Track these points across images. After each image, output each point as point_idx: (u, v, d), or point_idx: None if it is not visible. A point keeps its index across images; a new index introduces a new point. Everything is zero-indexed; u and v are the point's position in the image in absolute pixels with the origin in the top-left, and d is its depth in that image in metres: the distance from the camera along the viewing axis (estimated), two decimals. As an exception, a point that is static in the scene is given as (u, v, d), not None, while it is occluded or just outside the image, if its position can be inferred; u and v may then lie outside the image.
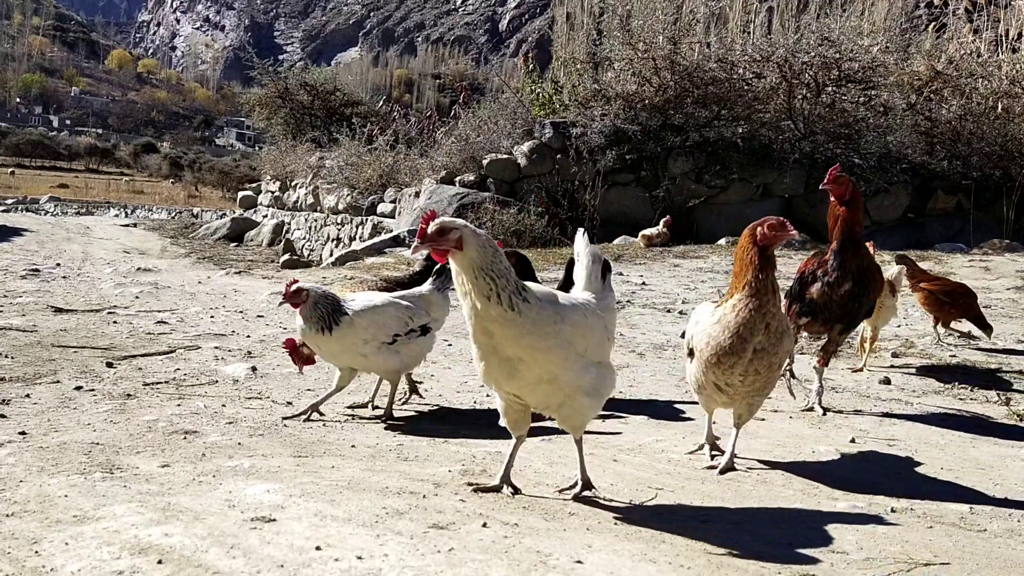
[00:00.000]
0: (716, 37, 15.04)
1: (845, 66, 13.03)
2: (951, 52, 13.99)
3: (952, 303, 6.16)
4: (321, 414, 4.20)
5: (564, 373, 2.81)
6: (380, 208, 14.89)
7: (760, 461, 3.58)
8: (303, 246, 16.90)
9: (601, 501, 2.96)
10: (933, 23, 16.25)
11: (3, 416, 3.89)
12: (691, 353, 3.41)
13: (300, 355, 4.38)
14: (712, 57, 13.73)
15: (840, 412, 4.53)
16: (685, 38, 14.04)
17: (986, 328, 6.15)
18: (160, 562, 2.25)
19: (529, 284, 2.87)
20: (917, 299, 6.36)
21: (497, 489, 2.98)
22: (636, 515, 2.85)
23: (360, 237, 14.79)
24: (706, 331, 3.27)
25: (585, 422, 3.01)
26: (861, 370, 5.53)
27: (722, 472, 3.37)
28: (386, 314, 4.18)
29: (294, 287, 4.14)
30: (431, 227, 2.72)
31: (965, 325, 6.38)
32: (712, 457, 3.56)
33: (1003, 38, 14.30)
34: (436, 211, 12.16)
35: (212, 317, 7.20)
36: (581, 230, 3.36)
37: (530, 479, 3.19)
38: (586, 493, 2.99)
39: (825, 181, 4.47)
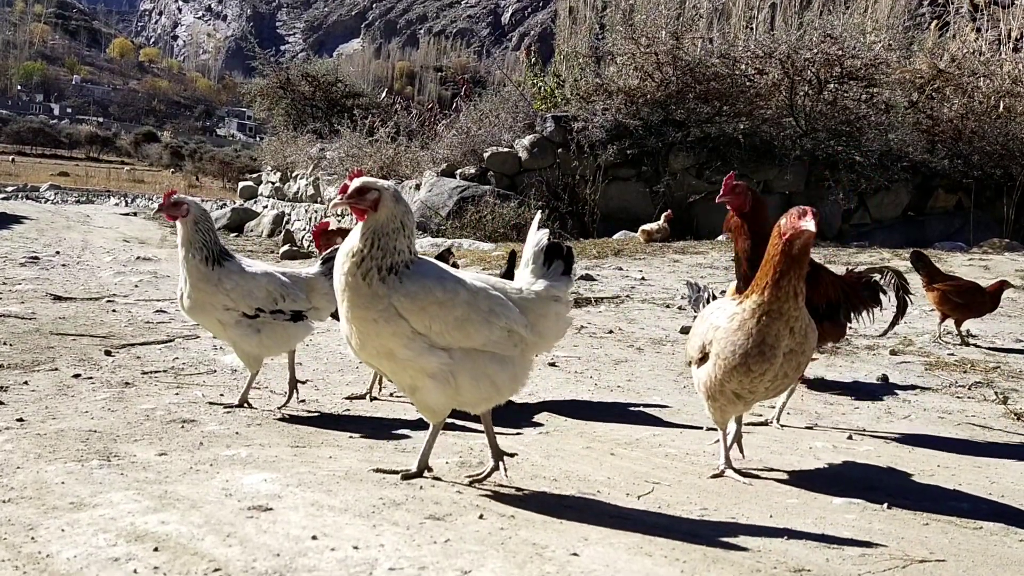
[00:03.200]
0: (719, 33, 15.03)
1: (847, 63, 13.01)
2: (953, 50, 13.97)
3: (966, 304, 6.15)
4: (251, 406, 4.06)
5: (399, 350, 2.70)
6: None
7: (757, 457, 3.58)
8: (303, 237, 16.86)
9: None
10: (936, 21, 16.21)
11: (1, 403, 3.89)
12: (703, 358, 3.17)
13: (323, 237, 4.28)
14: (714, 53, 13.73)
15: (838, 409, 4.53)
16: (688, 33, 14.01)
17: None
18: (156, 549, 2.25)
19: (429, 259, 2.86)
20: (930, 299, 6.35)
21: (495, 469, 2.98)
22: (632, 508, 2.85)
23: (360, 229, 14.76)
24: (727, 338, 3.03)
25: (434, 407, 2.85)
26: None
27: (714, 476, 3.24)
28: (255, 282, 3.90)
29: (173, 197, 3.85)
30: (353, 185, 2.73)
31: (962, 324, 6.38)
32: (742, 475, 3.24)
33: (1005, 38, 14.27)
34: (436, 203, 12.03)
35: (211, 307, 7.18)
36: (539, 214, 3.16)
37: (527, 472, 3.19)
38: (414, 480, 2.93)
39: (722, 193, 4.11)
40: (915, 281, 7.17)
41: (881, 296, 4.76)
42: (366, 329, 2.72)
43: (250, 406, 4.05)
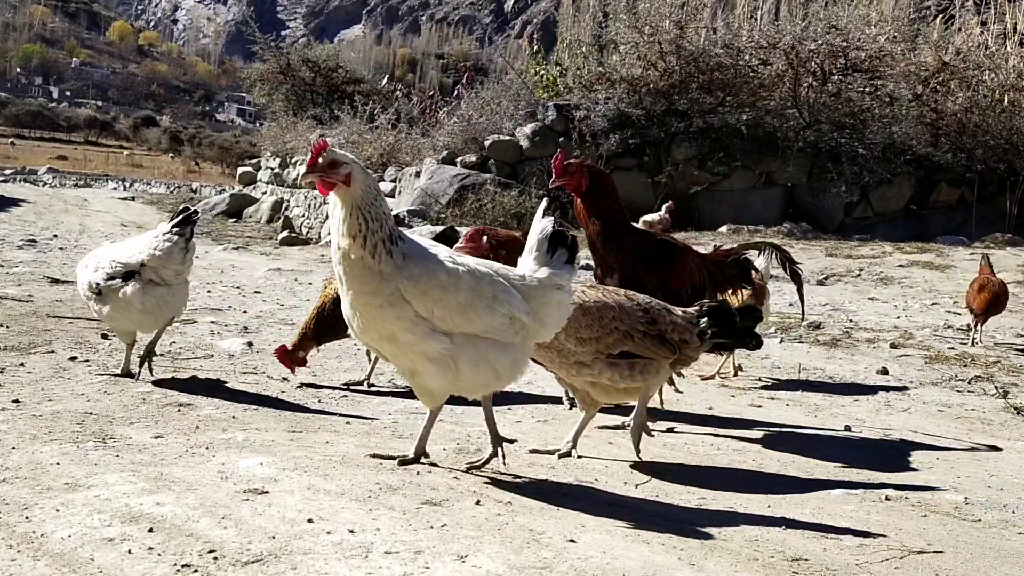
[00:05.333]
0: (723, 22, 14.93)
1: (852, 55, 12.94)
2: (959, 44, 13.89)
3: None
4: (134, 376, 4.14)
5: (401, 334, 2.69)
6: (380, 187, 14.84)
7: (756, 447, 3.57)
8: (302, 224, 16.79)
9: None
10: (941, 14, 16.12)
11: (-3, 384, 3.87)
12: None
13: (292, 360, 4.30)
14: (718, 43, 13.64)
15: (837, 401, 4.52)
16: (692, 23, 13.92)
17: None
18: (151, 530, 2.23)
19: (414, 237, 2.82)
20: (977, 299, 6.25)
21: (493, 455, 2.97)
22: (630, 496, 2.84)
23: (360, 216, 14.72)
24: None
25: (434, 392, 2.84)
26: (712, 377, 4.94)
27: (560, 456, 3.19)
28: (93, 260, 4.16)
29: None
30: (322, 157, 2.64)
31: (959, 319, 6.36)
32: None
33: (1011, 31, 14.20)
34: (436, 191, 11.88)
35: (209, 292, 7.17)
36: (544, 201, 3.12)
37: (524, 459, 3.18)
38: (411, 465, 2.92)
39: (554, 177, 3.75)
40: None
41: (753, 274, 4.32)
42: (371, 314, 2.69)
43: (133, 376, 4.10)
